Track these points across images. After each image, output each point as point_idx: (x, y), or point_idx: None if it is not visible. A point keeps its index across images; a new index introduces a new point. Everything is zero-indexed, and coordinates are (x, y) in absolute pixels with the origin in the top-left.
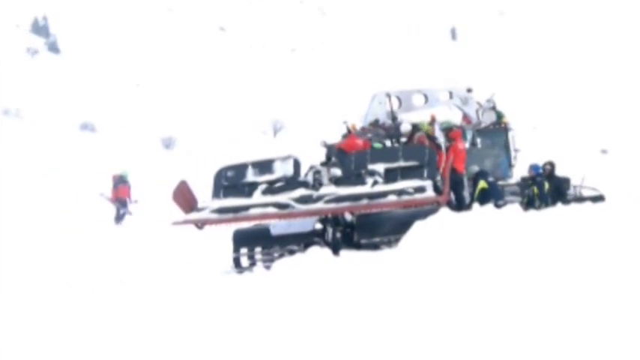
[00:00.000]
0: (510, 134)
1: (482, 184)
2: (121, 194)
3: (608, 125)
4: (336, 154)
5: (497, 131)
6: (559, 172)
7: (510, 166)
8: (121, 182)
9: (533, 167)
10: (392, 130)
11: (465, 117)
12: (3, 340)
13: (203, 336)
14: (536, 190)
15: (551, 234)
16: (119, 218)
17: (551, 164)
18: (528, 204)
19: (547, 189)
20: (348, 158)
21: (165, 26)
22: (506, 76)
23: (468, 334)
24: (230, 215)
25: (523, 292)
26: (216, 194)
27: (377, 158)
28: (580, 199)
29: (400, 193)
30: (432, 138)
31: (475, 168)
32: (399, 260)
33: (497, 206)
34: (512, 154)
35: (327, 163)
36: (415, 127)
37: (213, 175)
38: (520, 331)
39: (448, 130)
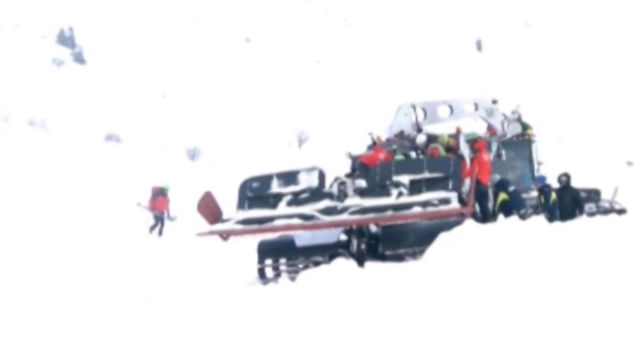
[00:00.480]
0: (534, 146)
1: (502, 196)
2: (158, 206)
3: (633, 137)
4: (358, 168)
5: (520, 143)
6: (586, 184)
7: (533, 178)
8: (160, 195)
9: (539, 178)
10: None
11: (490, 128)
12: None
13: (220, 343)
14: (543, 200)
15: (576, 247)
16: (153, 228)
17: (567, 175)
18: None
19: (553, 200)
20: (370, 172)
21: (191, 37)
22: (532, 88)
23: (491, 347)
24: (255, 226)
25: (547, 306)
26: (241, 205)
27: (402, 170)
28: (606, 211)
29: (425, 204)
30: (451, 150)
31: (496, 177)
32: (424, 272)
33: (521, 216)
34: (535, 166)
35: (352, 175)
36: (430, 139)
37: (238, 186)
38: (543, 345)
39: (473, 141)
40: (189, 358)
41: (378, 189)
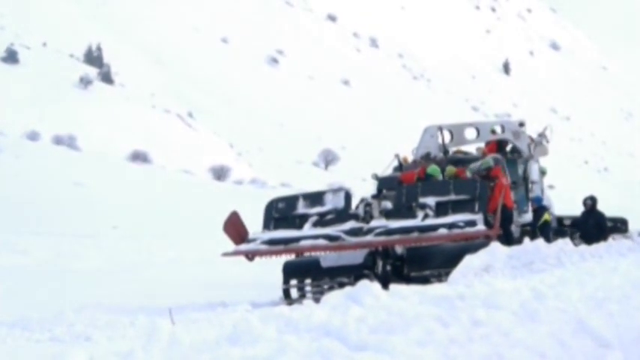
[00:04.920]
0: (530, 165)
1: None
2: None
3: None
4: (396, 187)
5: (514, 161)
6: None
7: (527, 199)
8: None
9: (535, 199)
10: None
11: (487, 147)
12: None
13: None
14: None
15: (603, 271)
16: None
17: (593, 199)
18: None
19: (545, 220)
20: (396, 193)
21: (219, 57)
22: (559, 110)
23: None
24: (280, 247)
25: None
26: (266, 226)
27: (428, 191)
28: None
29: (451, 226)
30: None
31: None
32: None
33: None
34: (530, 186)
35: (378, 196)
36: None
37: (264, 206)
38: None
39: (488, 169)
40: None
41: (404, 210)
